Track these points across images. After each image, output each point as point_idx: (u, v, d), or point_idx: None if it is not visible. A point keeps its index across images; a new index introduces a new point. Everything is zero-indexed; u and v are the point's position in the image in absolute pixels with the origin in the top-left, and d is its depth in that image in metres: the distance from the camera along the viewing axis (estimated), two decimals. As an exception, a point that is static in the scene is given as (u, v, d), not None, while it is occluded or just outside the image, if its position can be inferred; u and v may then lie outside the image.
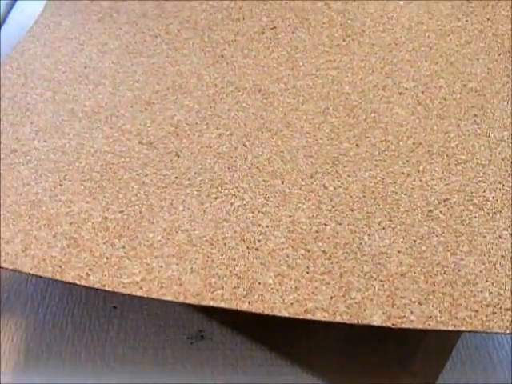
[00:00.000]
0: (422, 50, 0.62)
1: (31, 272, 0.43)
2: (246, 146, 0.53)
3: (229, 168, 0.51)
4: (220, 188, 0.49)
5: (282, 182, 0.50)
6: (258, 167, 0.51)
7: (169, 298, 0.42)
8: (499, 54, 0.60)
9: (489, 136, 0.54)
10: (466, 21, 0.65)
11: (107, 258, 0.44)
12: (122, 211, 0.47)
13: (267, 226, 0.47)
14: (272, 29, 0.64)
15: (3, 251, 0.44)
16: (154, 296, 0.42)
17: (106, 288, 0.42)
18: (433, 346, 0.47)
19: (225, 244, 0.45)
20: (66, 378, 0.47)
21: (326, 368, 0.47)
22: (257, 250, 0.45)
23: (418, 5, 0.67)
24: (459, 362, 0.48)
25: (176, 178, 0.50)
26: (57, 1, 0.70)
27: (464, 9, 0.66)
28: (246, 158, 0.52)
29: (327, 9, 0.66)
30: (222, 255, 0.45)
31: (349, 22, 0.65)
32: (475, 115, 0.55)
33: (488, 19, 0.64)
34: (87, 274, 0.43)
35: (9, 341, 0.48)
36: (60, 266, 0.44)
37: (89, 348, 0.48)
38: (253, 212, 0.48)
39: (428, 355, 0.47)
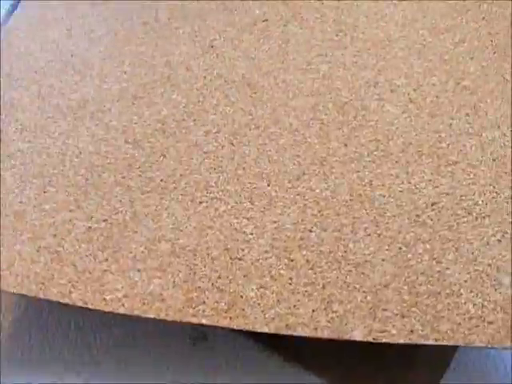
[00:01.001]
0: (416, 47, 0.60)
1: (15, 291, 0.43)
2: (233, 144, 0.52)
3: (215, 169, 0.50)
4: (205, 191, 0.49)
5: (268, 185, 0.49)
6: (244, 168, 0.50)
7: (151, 315, 0.42)
8: (494, 53, 0.59)
9: (481, 135, 0.53)
10: (461, 19, 0.63)
11: (90, 273, 0.44)
12: (105, 220, 0.47)
13: (251, 234, 0.46)
14: (264, 21, 0.63)
15: None
16: (136, 313, 0.42)
17: (89, 306, 0.43)
18: (436, 346, 0.46)
19: (208, 254, 0.45)
20: (67, 378, 0.47)
21: (327, 368, 0.47)
22: (240, 260, 0.45)
23: (412, 3, 0.65)
24: (462, 363, 0.48)
25: (161, 180, 0.50)
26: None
27: (459, 8, 0.64)
28: (232, 158, 0.51)
29: (320, 4, 0.65)
30: (204, 266, 0.44)
31: (342, 17, 0.63)
32: (467, 114, 0.54)
33: (483, 18, 0.63)
34: (70, 292, 0.43)
35: (9, 340, 0.49)
36: (43, 283, 0.44)
37: (91, 348, 0.49)
38: (237, 218, 0.47)
39: (431, 356, 0.47)
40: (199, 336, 0.49)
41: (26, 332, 0.49)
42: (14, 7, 0.70)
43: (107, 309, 0.43)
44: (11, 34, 0.62)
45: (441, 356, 0.47)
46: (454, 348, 0.48)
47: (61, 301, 0.43)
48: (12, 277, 0.44)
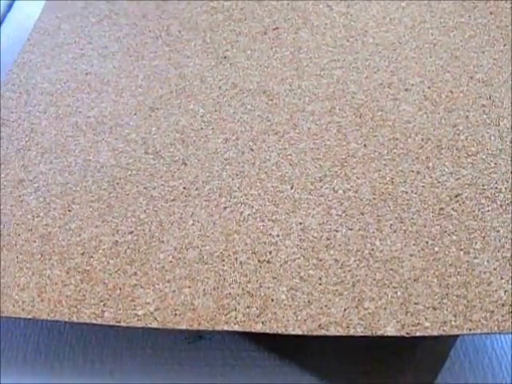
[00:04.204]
0: (426, 46, 0.61)
1: (49, 318, 0.43)
2: (253, 150, 0.52)
3: (237, 175, 0.51)
4: (229, 197, 0.49)
5: (291, 187, 0.49)
6: (266, 172, 0.51)
7: (183, 326, 0.42)
8: (504, 45, 0.60)
9: (498, 125, 0.53)
10: (469, 16, 0.64)
11: (120, 289, 0.44)
12: (131, 232, 0.47)
13: (278, 236, 0.46)
14: (274, 29, 0.64)
15: (20, 300, 0.44)
16: (169, 326, 0.42)
17: (122, 324, 0.42)
18: (431, 345, 0.46)
19: (236, 259, 0.45)
20: (65, 378, 0.47)
21: (326, 368, 0.46)
22: (268, 262, 0.45)
23: (419, 4, 0.66)
24: (458, 362, 0.47)
25: (184, 188, 0.50)
26: (54, 0, 0.70)
27: (466, 5, 0.65)
28: (253, 163, 0.51)
29: (329, 10, 0.65)
30: (233, 272, 0.44)
31: (352, 23, 0.64)
32: (483, 105, 0.55)
33: (491, 13, 0.64)
34: (102, 311, 0.43)
35: (9, 341, 0.49)
36: (75, 307, 0.43)
37: (87, 348, 0.48)
38: (263, 221, 0.47)
39: (427, 355, 0.46)
40: (195, 335, 0.48)
41: (25, 331, 0.49)
42: (9, 7, 0.70)
43: (140, 324, 0.42)
44: (24, 65, 0.62)
45: (438, 354, 0.47)
46: (450, 346, 0.47)
47: (94, 322, 0.43)
48: (44, 304, 0.44)
